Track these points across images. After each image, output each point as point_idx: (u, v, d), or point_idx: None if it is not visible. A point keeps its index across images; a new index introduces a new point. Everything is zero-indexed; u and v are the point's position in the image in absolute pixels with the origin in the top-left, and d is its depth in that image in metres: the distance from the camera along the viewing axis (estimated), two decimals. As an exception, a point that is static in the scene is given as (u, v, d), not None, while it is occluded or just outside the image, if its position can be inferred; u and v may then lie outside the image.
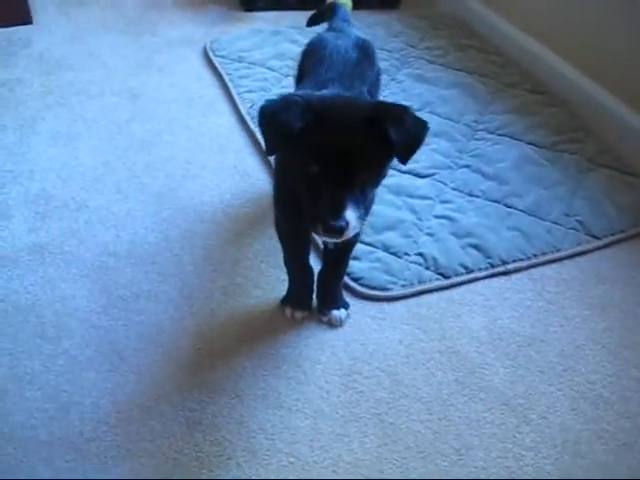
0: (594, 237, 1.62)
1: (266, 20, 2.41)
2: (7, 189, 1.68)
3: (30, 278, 1.46)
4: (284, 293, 1.43)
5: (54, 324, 1.37)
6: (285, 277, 1.42)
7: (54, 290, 1.43)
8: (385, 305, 1.46)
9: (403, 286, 1.48)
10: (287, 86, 1.97)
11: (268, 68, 2.10)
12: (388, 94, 1.99)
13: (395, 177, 1.71)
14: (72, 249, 1.53)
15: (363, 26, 2.25)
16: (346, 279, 1.47)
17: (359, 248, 1.51)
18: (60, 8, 2.43)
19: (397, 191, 1.69)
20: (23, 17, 2.30)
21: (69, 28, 2.34)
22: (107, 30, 2.34)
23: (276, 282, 1.47)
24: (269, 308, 1.43)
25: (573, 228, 1.63)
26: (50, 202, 1.64)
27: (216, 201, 1.67)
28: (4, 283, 1.44)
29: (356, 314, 1.43)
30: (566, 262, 1.57)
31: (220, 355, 1.33)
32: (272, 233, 1.42)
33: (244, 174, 1.75)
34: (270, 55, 2.15)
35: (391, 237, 1.57)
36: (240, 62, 2.12)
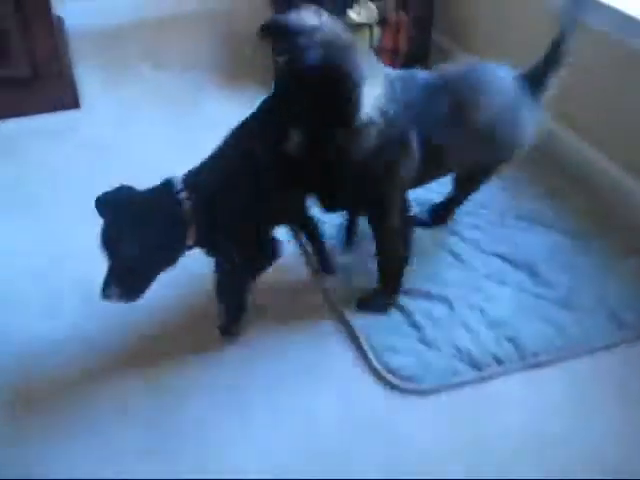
0: (629, 327, 1.63)
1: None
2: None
3: None
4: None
5: None
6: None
7: None
8: (417, 398, 1.48)
9: (436, 378, 1.51)
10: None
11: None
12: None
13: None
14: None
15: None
16: (380, 369, 1.51)
17: (395, 340, 1.57)
18: (106, 90, 2.54)
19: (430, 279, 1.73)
20: (71, 102, 2.42)
21: (115, 110, 2.45)
22: (152, 111, 2.44)
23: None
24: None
25: (606, 318, 1.64)
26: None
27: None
28: None
29: (390, 406, 1.46)
30: (600, 354, 1.58)
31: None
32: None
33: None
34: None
35: (426, 329, 1.60)
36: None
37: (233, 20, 3.00)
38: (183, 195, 1.40)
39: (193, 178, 1.45)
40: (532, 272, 1.76)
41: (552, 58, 1.61)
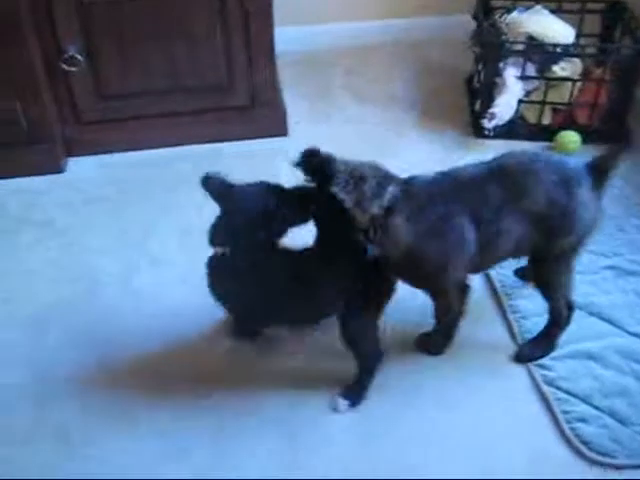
0: None
1: (495, 148, 2.55)
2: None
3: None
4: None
5: None
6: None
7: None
8: (611, 472, 1.57)
9: (628, 456, 1.58)
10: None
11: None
12: (613, 246, 2.09)
13: (624, 339, 1.82)
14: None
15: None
16: (575, 441, 1.61)
17: (587, 411, 1.65)
18: (310, 123, 2.71)
19: (625, 355, 1.79)
20: (281, 130, 2.62)
21: (318, 141, 2.60)
22: (350, 146, 2.58)
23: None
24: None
25: None
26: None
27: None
28: None
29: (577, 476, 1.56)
30: None
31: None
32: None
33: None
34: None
35: (618, 404, 1.68)
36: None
37: (434, 51, 3.08)
38: None
39: None
40: None
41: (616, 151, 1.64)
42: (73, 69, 2.36)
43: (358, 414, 1.72)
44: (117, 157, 2.55)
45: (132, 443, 1.67)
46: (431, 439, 1.66)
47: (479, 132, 2.59)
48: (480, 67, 2.63)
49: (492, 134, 2.57)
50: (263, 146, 2.59)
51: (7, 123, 2.37)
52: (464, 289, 1.73)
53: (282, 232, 1.63)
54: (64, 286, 2.06)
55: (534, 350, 1.80)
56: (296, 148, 2.57)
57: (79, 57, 2.34)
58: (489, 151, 2.49)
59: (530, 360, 1.78)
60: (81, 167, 2.51)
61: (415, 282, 1.66)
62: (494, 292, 1.99)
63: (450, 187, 1.59)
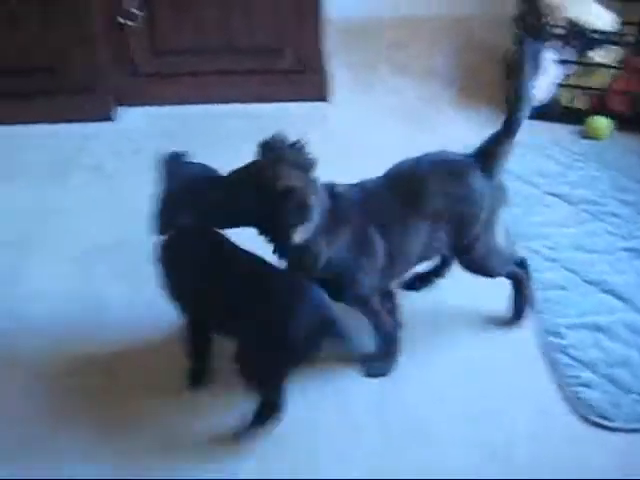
0: None
1: (529, 128, 2.62)
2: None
3: None
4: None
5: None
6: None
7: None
8: (606, 433, 1.69)
9: (626, 420, 1.70)
10: (549, 204, 2.28)
11: (528, 182, 2.37)
12: (632, 229, 2.19)
13: (633, 315, 1.93)
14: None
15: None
16: (577, 403, 1.74)
17: (592, 378, 1.78)
18: (352, 91, 2.82)
19: (633, 330, 1.90)
20: (323, 96, 2.73)
21: (357, 110, 2.74)
22: (389, 118, 2.70)
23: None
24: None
25: None
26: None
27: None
28: None
29: (578, 437, 1.69)
30: None
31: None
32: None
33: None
34: (529, 170, 2.42)
35: (621, 373, 1.80)
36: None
37: (477, 28, 3.16)
38: None
39: None
40: None
41: (503, 131, 1.71)
42: (131, 23, 2.49)
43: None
44: (166, 110, 2.68)
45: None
46: (443, 398, 1.78)
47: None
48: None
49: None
50: (305, 110, 2.71)
51: (65, 70, 2.52)
52: (388, 296, 1.80)
53: (218, 219, 1.58)
54: (112, 227, 2.20)
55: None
56: (336, 114, 2.71)
57: (137, 12, 2.47)
58: (523, 131, 2.59)
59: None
60: (131, 117, 2.65)
61: (333, 294, 1.61)
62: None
63: (359, 199, 1.63)
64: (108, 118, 2.61)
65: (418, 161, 1.72)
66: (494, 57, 2.95)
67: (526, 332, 1.91)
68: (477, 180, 1.68)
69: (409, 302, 1.92)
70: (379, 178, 1.71)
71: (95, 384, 1.77)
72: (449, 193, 1.66)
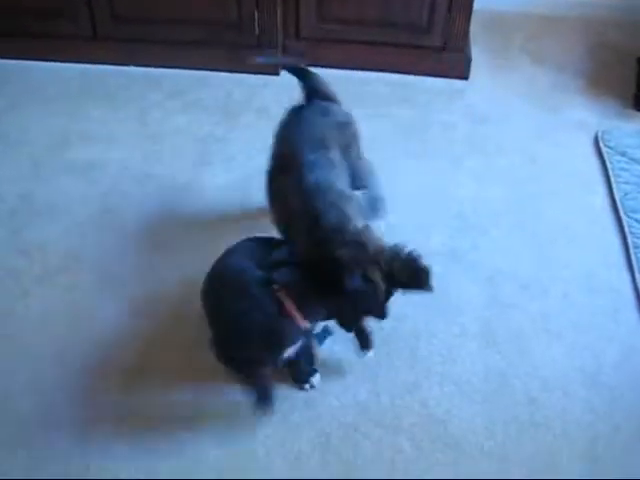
0: None
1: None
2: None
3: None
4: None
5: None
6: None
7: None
8: None
9: None
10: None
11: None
12: None
13: None
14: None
15: None
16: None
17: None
18: (489, 73, 3.10)
19: None
20: (463, 74, 3.03)
21: (494, 88, 3.02)
22: (522, 97, 2.97)
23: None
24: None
25: None
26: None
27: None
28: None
29: None
30: None
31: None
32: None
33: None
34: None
35: None
36: (623, 156, 2.64)
37: (611, 30, 3.36)
38: None
39: None
40: None
41: None
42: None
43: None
44: (323, 72, 3.02)
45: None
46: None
47: (640, 106, 2.90)
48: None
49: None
50: (445, 85, 3.01)
51: (244, 27, 2.92)
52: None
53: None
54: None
55: None
56: (474, 93, 2.99)
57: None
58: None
59: None
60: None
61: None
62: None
63: None
64: (276, 72, 2.98)
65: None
66: (626, 58, 3.16)
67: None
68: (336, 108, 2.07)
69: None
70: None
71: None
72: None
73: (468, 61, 3.03)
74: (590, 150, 2.71)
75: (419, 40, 2.98)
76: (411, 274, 1.64)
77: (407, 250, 1.65)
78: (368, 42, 3.01)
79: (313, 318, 1.71)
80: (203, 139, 2.71)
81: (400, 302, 1.73)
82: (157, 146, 2.68)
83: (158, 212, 2.41)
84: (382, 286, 1.63)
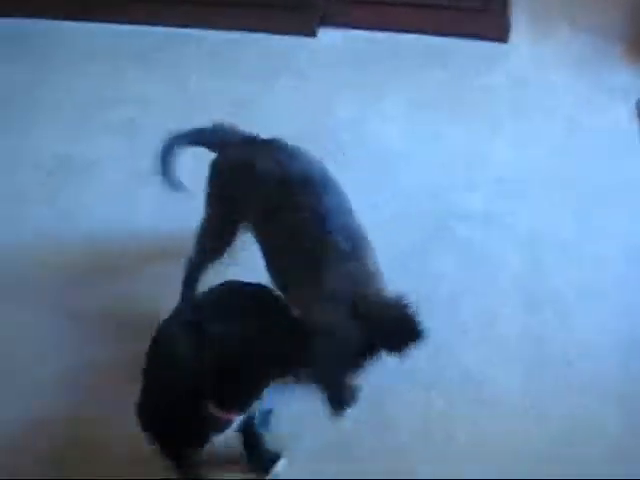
0: None
1: None
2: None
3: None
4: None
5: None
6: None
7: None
8: None
9: None
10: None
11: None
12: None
13: None
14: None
15: None
16: None
17: None
18: (530, 34, 3.02)
19: None
20: (503, 37, 2.97)
21: (534, 52, 2.94)
22: (562, 62, 2.91)
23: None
24: None
25: None
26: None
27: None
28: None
29: None
30: None
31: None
32: None
33: None
34: None
35: None
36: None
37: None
38: None
39: None
40: None
41: None
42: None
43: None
44: (359, 33, 3.00)
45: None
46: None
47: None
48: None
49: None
50: (484, 47, 2.95)
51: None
52: None
53: None
54: (302, 119, 2.56)
55: None
56: (513, 55, 2.92)
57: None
58: None
59: None
60: (330, 36, 2.99)
61: None
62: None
63: None
64: (312, 34, 2.95)
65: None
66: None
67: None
68: None
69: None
70: None
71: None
72: None
73: (508, 24, 2.98)
74: (631, 115, 2.65)
75: (458, 1, 2.93)
76: (393, 321, 1.38)
77: (397, 297, 1.41)
78: (405, 3, 2.96)
79: (251, 403, 1.43)
80: (238, 101, 2.68)
81: (439, 262, 1.73)
82: (192, 108, 2.66)
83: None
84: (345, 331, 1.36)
